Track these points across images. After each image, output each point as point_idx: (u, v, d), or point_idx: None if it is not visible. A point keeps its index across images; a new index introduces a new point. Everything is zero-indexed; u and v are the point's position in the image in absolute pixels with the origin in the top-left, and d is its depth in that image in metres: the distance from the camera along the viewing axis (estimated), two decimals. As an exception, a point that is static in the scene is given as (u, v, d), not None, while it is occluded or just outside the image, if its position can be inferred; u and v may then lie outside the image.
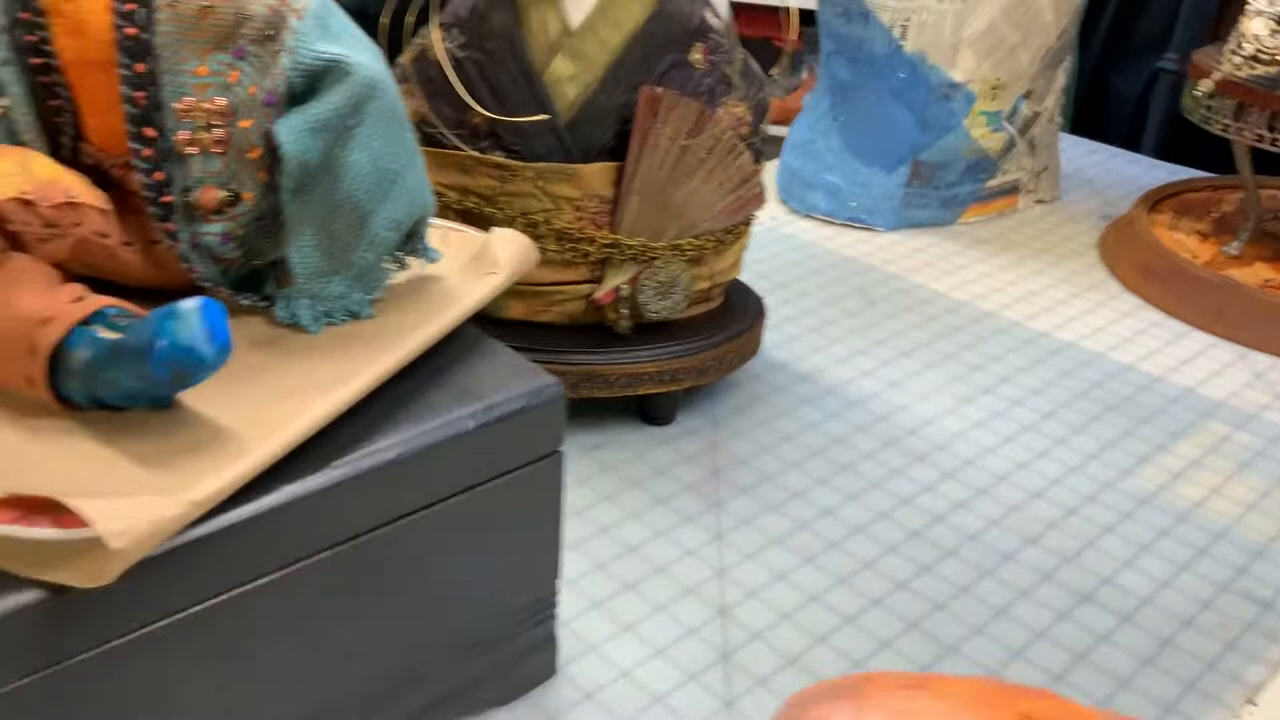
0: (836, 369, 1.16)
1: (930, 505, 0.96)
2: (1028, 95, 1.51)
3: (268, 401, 0.58)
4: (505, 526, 0.67)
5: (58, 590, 0.48)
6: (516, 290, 0.97)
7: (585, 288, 0.99)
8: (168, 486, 0.50)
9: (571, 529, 0.89)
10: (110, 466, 0.52)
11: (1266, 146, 1.27)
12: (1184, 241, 1.43)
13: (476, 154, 0.95)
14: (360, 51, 0.64)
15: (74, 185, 0.63)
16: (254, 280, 0.70)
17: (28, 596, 0.48)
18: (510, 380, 0.66)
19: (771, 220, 1.50)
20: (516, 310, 1.00)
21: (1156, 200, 1.52)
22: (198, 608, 0.54)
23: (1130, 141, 1.94)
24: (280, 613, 0.57)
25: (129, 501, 0.48)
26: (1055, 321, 1.28)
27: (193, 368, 0.53)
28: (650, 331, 1.01)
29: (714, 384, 1.11)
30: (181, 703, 0.55)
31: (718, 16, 0.99)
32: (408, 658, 0.65)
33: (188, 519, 0.50)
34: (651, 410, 1.05)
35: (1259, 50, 1.26)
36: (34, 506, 0.48)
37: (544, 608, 0.72)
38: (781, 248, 1.43)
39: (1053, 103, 1.57)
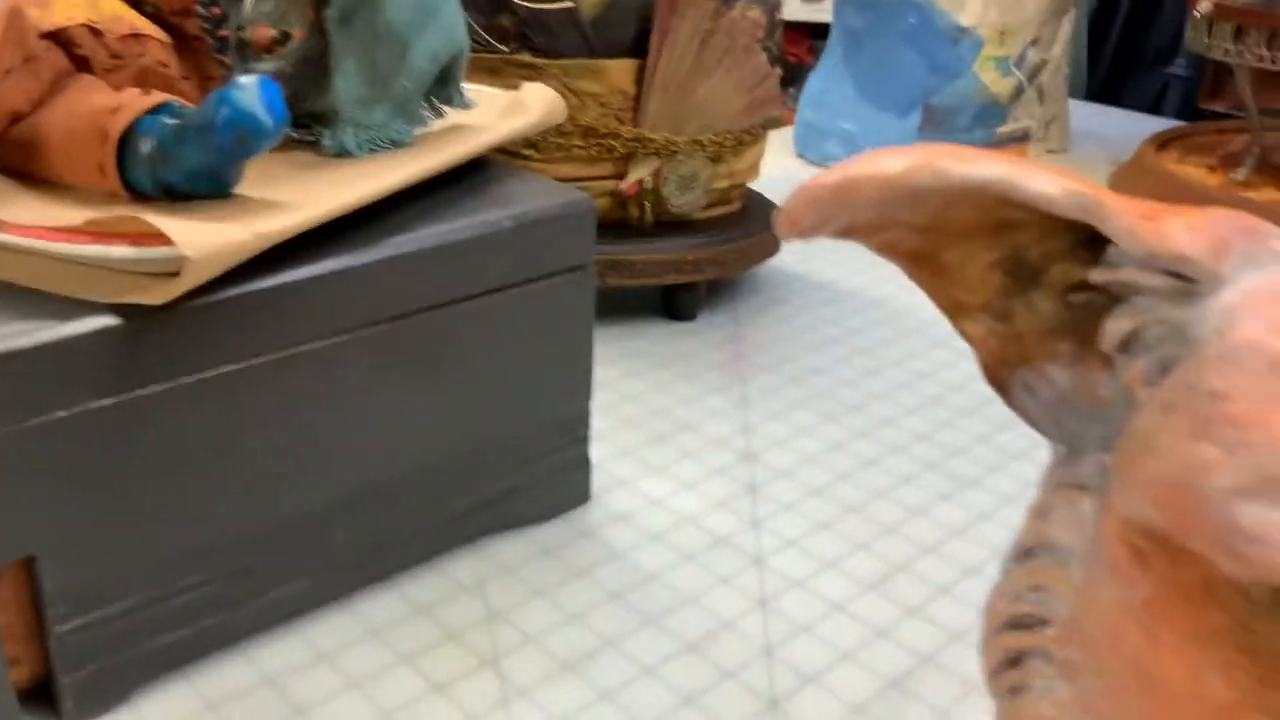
0: (855, 278, 1.20)
1: (950, 378, 0.99)
2: (1034, 42, 1.55)
3: (321, 184, 0.63)
4: (539, 334, 0.71)
5: (132, 320, 0.53)
6: (545, 187, 1.02)
7: (610, 183, 1.03)
8: (236, 225, 0.54)
9: (599, 397, 0.93)
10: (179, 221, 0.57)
11: (1267, 66, 1.31)
12: (1192, 174, 1.46)
13: (505, 53, 1.00)
14: (399, -110, 0.70)
15: (138, 20, 0.68)
16: (300, 126, 0.75)
17: (104, 322, 0.52)
18: (544, 194, 0.70)
19: (785, 172, 1.55)
20: (545, 207, 1.04)
21: (1164, 141, 1.56)
22: (257, 360, 0.58)
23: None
24: (331, 380, 0.61)
25: (200, 225, 0.52)
26: (1067, 239, 1.32)
27: (253, 135, 0.57)
28: (673, 227, 1.05)
29: (736, 287, 1.15)
30: (236, 454, 0.59)
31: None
32: (448, 454, 0.69)
33: (254, 248, 0.54)
34: (675, 306, 1.09)
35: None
36: (110, 236, 0.53)
37: (577, 427, 0.76)
38: (799, 190, 1.48)
39: (1059, 51, 1.62)
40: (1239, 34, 1.32)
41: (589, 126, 1.01)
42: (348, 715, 0.59)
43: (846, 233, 0.34)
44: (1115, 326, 0.32)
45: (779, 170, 1.48)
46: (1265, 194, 1.40)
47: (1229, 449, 0.28)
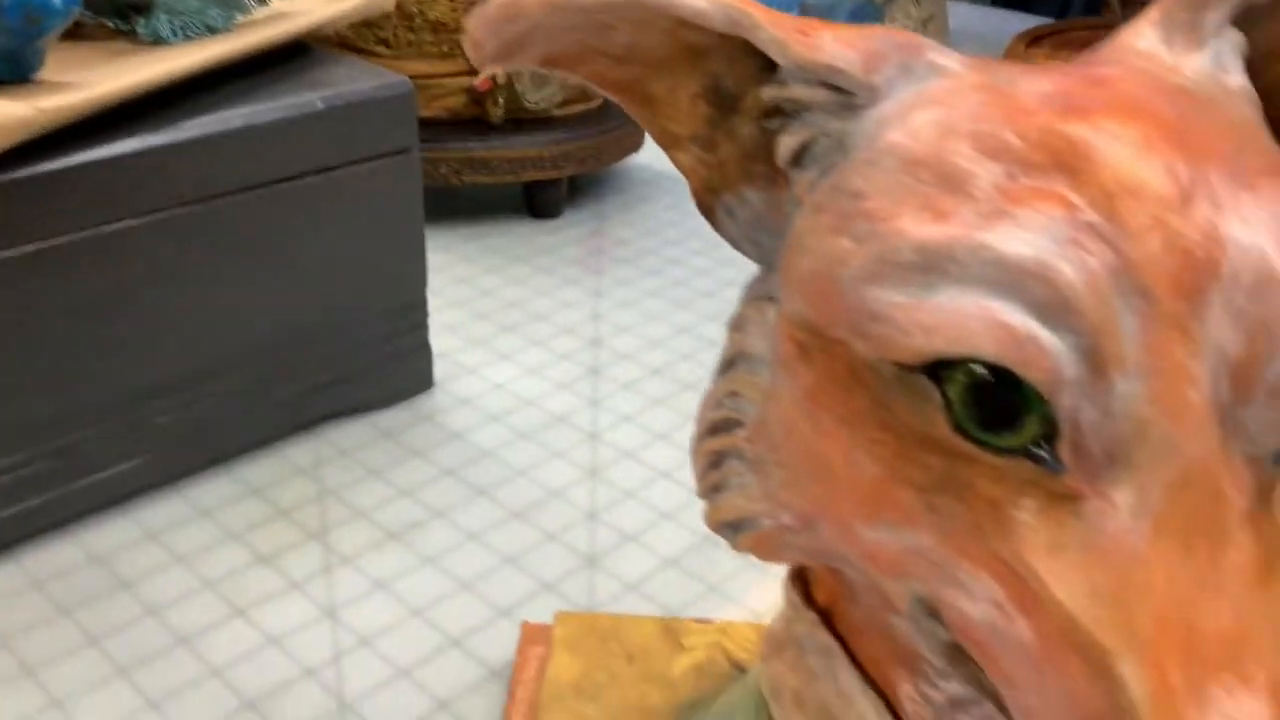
0: (721, 174, 1.21)
1: (799, 263, 1.01)
2: (909, -59, 1.56)
3: (124, 67, 0.62)
4: (365, 219, 0.71)
5: (-81, 201, 0.53)
6: (399, 85, 1.02)
7: (464, 80, 1.03)
8: (20, 101, 0.54)
9: (453, 292, 0.94)
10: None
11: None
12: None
13: (350, -52, 0.99)
14: None
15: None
16: (119, 16, 0.74)
17: (-111, 201, 0.52)
18: (361, 77, 0.70)
19: (670, 75, 1.55)
20: (401, 106, 1.04)
21: (1035, 37, 1.59)
22: (60, 240, 0.58)
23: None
24: (142, 261, 0.62)
25: (-24, 100, 0.52)
26: (933, 133, 1.35)
27: (43, 13, 0.57)
28: (532, 124, 1.06)
29: (601, 185, 1.17)
30: (45, 334, 0.59)
31: None
32: (274, 337, 0.70)
33: (39, 124, 0.54)
34: (537, 204, 1.09)
35: None
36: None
37: (413, 313, 0.77)
38: (678, 93, 1.48)
39: (936, -48, 1.63)
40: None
41: (438, 21, 1.00)
42: (172, 587, 0.61)
43: (548, 63, 0.36)
44: (787, 141, 0.34)
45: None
46: (1128, 86, 1.44)
47: (860, 240, 0.30)
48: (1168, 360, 0.27)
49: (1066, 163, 0.28)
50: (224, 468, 0.70)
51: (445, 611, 0.60)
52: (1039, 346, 0.27)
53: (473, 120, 1.05)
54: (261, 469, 0.71)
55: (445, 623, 0.59)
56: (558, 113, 1.07)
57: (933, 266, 0.29)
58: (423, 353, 0.79)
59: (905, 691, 0.36)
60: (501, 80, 1.03)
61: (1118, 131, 0.29)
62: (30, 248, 0.57)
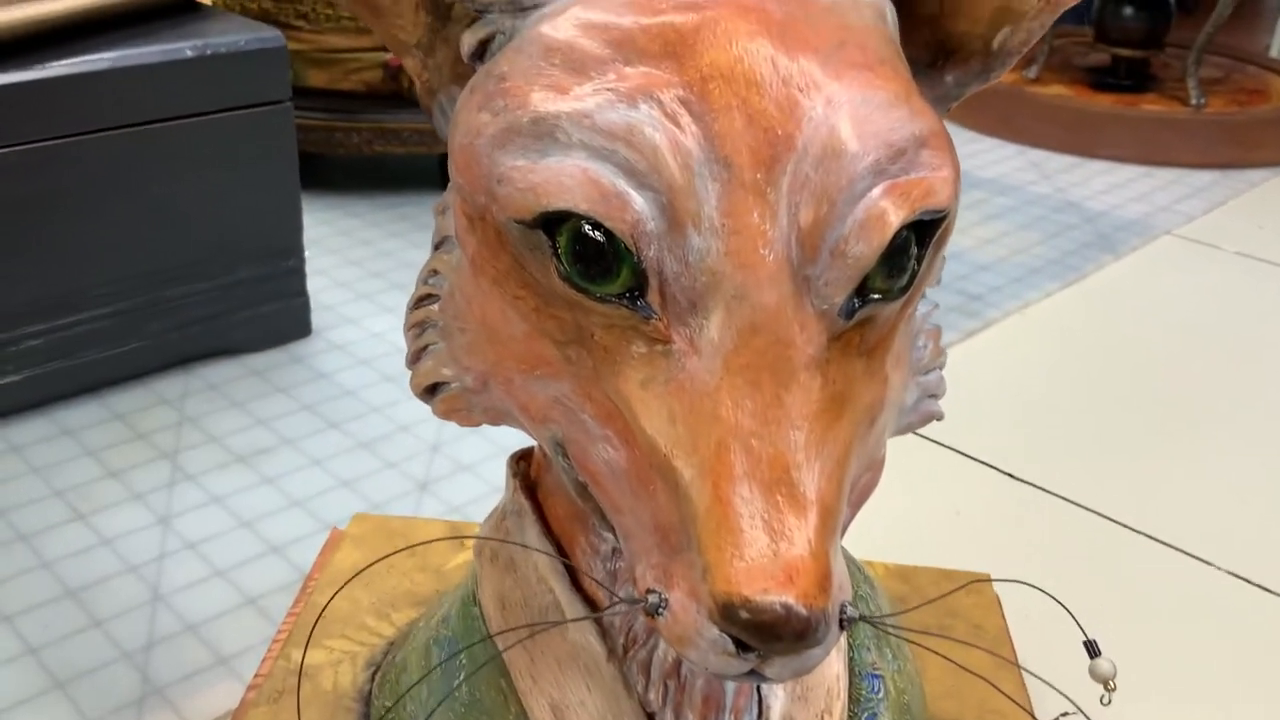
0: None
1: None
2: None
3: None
4: (238, 165, 0.75)
5: None
6: (316, 59, 1.07)
7: (380, 55, 1.08)
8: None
9: (354, 253, 0.98)
10: None
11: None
12: (991, 71, 1.53)
13: (269, -75, 1.04)
14: None
15: None
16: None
17: None
18: (235, 30, 0.75)
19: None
20: (318, 79, 1.09)
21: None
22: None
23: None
24: (15, 188, 0.66)
25: None
26: (854, 127, 1.39)
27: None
28: (445, 101, 1.10)
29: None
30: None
31: None
32: (144, 271, 0.74)
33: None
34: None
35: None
36: None
37: (289, 260, 0.81)
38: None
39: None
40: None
41: (356, -1, 1.05)
42: (23, 494, 0.65)
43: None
44: (468, 39, 0.38)
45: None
46: (1053, 89, 1.47)
47: (496, 114, 0.34)
48: (743, 221, 0.30)
49: (674, 51, 0.32)
50: (95, 395, 0.74)
51: (272, 524, 0.64)
52: (623, 201, 0.31)
53: (389, 94, 1.09)
54: (130, 398, 0.75)
55: (270, 533, 0.63)
56: (473, 91, 1.11)
57: (545, 134, 0.33)
58: (300, 300, 0.83)
59: (579, 543, 0.40)
60: (414, 56, 1.07)
61: (724, 26, 0.33)
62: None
